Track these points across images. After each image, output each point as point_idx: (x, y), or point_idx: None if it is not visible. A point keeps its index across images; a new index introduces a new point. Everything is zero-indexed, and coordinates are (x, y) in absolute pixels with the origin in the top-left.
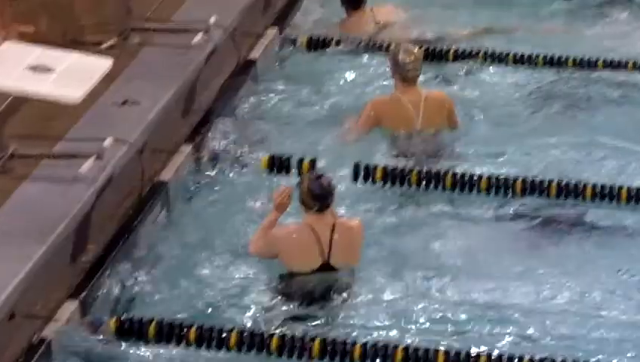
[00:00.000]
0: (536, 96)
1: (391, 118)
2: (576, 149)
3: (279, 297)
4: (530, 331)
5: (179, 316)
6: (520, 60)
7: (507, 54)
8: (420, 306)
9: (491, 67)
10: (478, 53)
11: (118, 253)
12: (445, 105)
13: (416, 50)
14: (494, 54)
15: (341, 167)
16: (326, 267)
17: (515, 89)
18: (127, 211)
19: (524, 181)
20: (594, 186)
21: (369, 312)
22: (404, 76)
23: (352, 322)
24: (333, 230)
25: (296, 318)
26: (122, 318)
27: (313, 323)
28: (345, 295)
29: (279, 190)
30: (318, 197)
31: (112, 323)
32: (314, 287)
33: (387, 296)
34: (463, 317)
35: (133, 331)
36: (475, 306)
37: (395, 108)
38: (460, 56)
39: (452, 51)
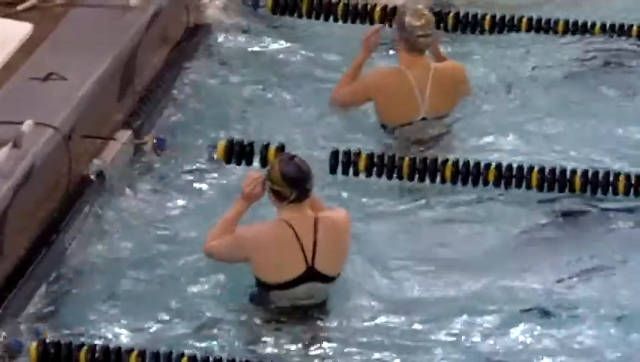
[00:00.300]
0: (564, 69)
1: (390, 97)
2: (612, 134)
3: (250, 318)
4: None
5: (117, 340)
6: (545, 27)
7: (520, 18)
8: (429, 326)
9: (508, 34)
10: (484, 17)
11: (42, 262)
12: (457, 79)
13: (426, 12)
14: (510, 20)
15: (316, 156)
16: (311, 274)
17: (538, 61)
18: (52, 211)
19: (541, 171)
20: (627, 177)
21: (369, 339)
22: (412, 44)
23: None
24: (315, 226)
25: (272, 346)
26: (47, 342)
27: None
28: (338, 316)
29: (250, 177)
30: (295, 182)
31: (33, 347)
32: (297, 304)
33: (390, 315)
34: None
35: (59, 358)
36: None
37: (396, 84)
38: (464, 20)
39: (452, 15)
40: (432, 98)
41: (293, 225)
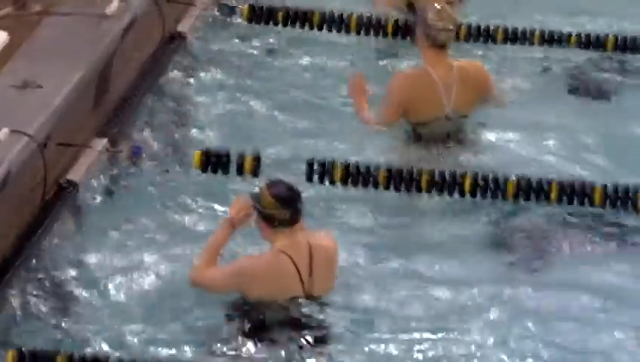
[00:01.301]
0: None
1: (418, 101)
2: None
3: (233, 331)
4: None
5: (95, 348)
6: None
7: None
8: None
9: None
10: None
11: (17, 271)
12: (480, 79)
13: (448, 8)
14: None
15: (294, 167)
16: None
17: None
18: (28, 219)
19: (518, 181)
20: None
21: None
22: (434, 38)
23: None
24: (310, 252)
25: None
26: (22, 350)
27: None
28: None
29: (238, 203)
30: (287, 201)
31: (10, 355)
32: (287, 322)
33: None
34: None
35: None
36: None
37: (423, 87)
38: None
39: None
40: (457, 97)
41: (290, 254)
